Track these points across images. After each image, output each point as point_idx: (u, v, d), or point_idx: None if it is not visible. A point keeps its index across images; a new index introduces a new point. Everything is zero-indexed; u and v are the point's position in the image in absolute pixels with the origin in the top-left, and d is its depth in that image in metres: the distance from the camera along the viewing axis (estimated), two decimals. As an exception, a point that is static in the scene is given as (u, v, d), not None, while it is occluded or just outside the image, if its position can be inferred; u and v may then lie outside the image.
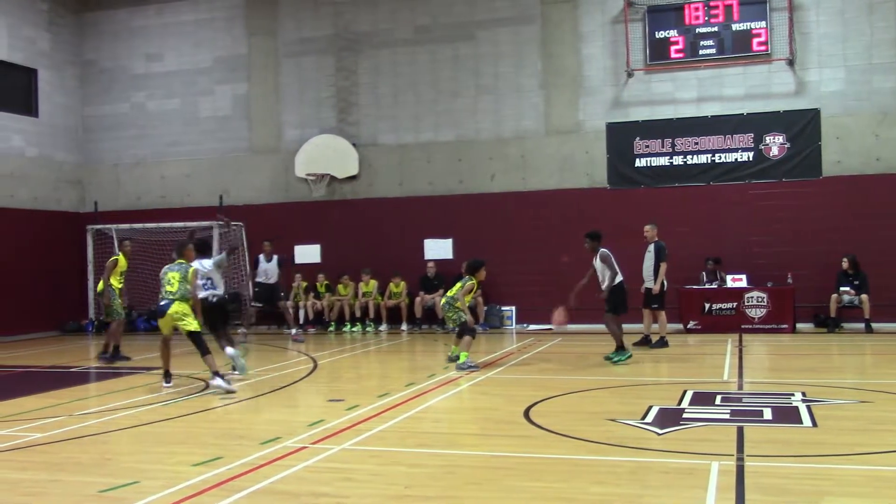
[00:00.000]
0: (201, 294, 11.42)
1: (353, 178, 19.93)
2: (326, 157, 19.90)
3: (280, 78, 20.59)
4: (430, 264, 18.94)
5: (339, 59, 20.17)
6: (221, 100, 20.98)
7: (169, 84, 21.35)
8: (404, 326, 18.94)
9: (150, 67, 21.52)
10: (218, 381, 10.57)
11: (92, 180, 21.90)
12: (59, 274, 20.40)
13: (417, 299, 18.85)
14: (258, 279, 17.69)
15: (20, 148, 20.15)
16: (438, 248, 19.33)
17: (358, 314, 19.18)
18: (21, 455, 7.53)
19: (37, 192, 20.47)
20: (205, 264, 11.79)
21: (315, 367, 13.17)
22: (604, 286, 12.82)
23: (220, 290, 11.97)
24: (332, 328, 19.15)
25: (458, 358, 12.34)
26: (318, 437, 7.79)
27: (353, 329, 19.07)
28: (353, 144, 19.84)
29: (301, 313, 19.50)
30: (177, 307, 10.91)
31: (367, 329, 19.02)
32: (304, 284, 19.78)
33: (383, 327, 19.02)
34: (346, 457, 7.12)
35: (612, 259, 12.83)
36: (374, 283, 19.22)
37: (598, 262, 12.83)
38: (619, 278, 12.82)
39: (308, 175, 19.99)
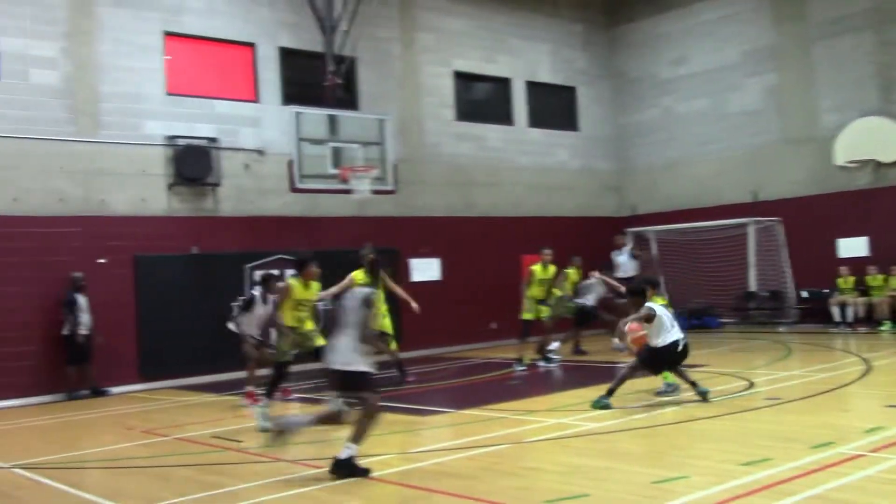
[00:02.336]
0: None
1: (902, 161, 18.01)
2: (869, 140, 18.27)
3: (812, 63, 19.46)
4: None
5: (878, 33, 18.40)
6: (750, 94, 20.54)
7: (695, 85, 21.55)
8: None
9: (675, 71, 21.96)
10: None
11: (628, 185, 23.04)
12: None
13: None
14: (616, 274, 17.52)
15: (564, 161, 22.07)
16: None
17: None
18: (580, 442, 8.22)
19: (580, 200, 22.15)
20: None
21: (868, 368, 12.15)
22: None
23: None
24: (884, 326, 17.46)
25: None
26: (877, 445, 7.18)
27: (910, 328, 17.22)
28: (899, 124, 17.94)
29: (849, 311, 18.11)
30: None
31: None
32: (852, 280, 18.33)
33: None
34: (912, 469, 6.45)
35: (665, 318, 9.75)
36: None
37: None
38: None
39: (849, 162, 18.58)
